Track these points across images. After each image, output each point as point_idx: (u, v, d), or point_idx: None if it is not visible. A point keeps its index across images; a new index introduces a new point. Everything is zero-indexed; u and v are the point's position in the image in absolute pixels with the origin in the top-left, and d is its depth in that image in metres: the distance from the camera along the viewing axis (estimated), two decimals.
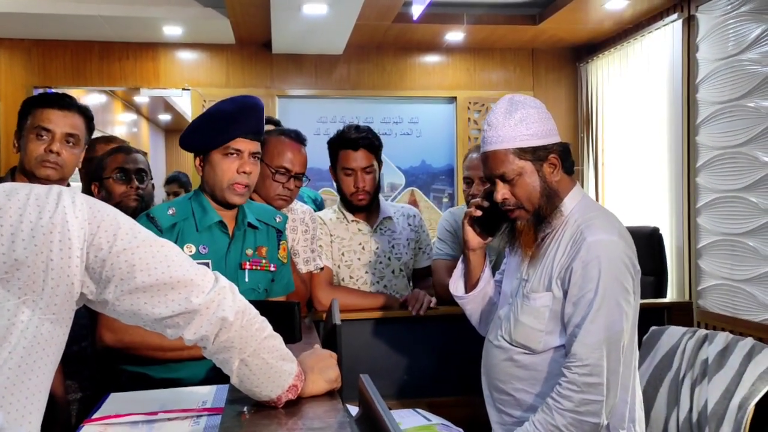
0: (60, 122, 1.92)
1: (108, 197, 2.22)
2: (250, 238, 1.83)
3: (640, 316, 1.68)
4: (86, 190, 2.33)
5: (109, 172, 2.23)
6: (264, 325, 1.13)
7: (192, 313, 1.02)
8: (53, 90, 4.78)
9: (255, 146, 1.76)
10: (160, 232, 1.67)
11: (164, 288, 0.99)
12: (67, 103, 1.95)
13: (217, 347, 1.07)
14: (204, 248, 1.74)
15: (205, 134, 1.72)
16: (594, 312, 1.51)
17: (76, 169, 2.06)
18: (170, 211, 1.74)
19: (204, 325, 1.03)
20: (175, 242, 1.66)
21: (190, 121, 5.34)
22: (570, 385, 1.51)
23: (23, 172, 1.94)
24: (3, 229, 0.86)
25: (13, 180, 1.95)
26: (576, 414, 1.50)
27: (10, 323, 0.86)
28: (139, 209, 2.20)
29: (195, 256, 1.69)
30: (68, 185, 2.06)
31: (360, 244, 2.42)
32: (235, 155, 1.73)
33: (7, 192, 0.90)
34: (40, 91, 4.73)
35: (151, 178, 2.36)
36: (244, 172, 1.73)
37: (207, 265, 1.70)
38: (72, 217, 0.90)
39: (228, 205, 1.78)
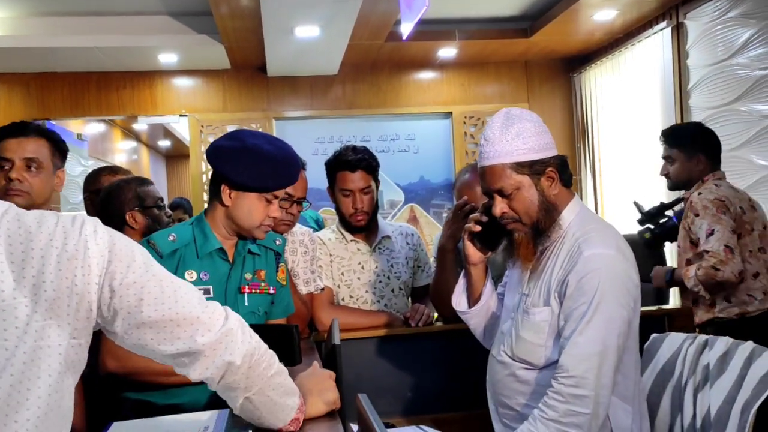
0: (17, 149, 1.90)
1: (152, 225, 2.30)
2: (249, 263, 1.84)
3: (640, 323, 1.66)
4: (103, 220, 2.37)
5: (152, 201, 2.33)
6: (272, 361, 1.13)
7: (197, 353, 1.02)
8: (52, 121, 4.83)
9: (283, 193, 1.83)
10: (159, 257, 1.68)
11: (170, 324, 0.99)
12: (22, 130, 1.94)
13: (222, 387, 1.09)
14: (205, 275, 1.75)
15: (249, 173, 1.71)
16: (584, 324, 1.50)
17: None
18: (171, 237, 1.75)
19: (210, 367, 1.04)
20: (176, 268, 1.70)
21: (189, 145, 5.22)
22: (556, 396, 1.49)
23: None
24: (34, 252, 0.90)
25: None
26: (560, 425, 1.48)
27: (37, 345, 0.89)
28: None
29: (196, 282, 1.71)
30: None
31: (359, 263, 2.43)
32: (270, 201, 1.76)
33: (38, 219, 0.93)
34: (40, 123, 4.78)
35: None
36: (273, 217, 1.77)
37: (208, 290, 1.73)
38: (93, 245, 0.93)
39: (242, 237, 1.81)
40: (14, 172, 1.88)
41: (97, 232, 0.95)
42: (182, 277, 1.67)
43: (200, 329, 1.01)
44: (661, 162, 2.78)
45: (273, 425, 1.17)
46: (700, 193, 2.61)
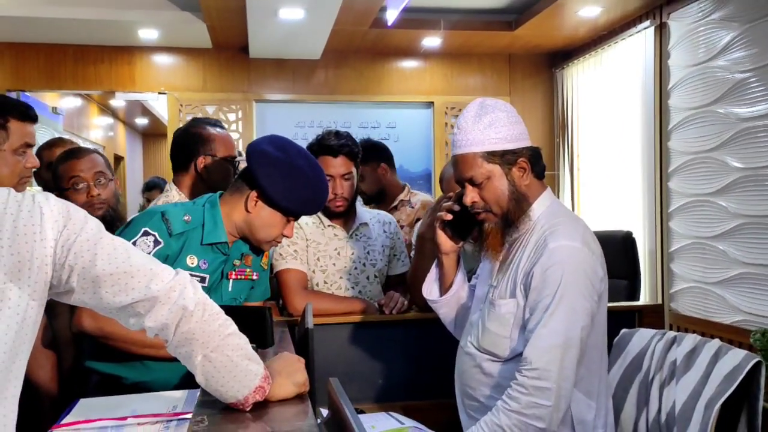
0: None
1: None
2: (241, 249, 1.83)
3: (611, 319, 1.67)
4: None
5: (66, 182, 2.08)
6: (228, 323, 1.15)
7: (152, 300, 1.07)
8: (27, 93, 4.71)
9: None
10: (168, 235, 1.65)
11: (124, 276, 1.05)
12: None
13: (178, 338, 1.10)
14: (204, 263, 1.72)
15: (286, 194, 1.68)
16: (548, 317, 1.51)
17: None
18: (186, 217, 1.70)
19: (165, 313, 1.08)
20: (181, 249, 1.67)
21: (167, 123, 5.12)
22: (519, 387, 1.50)
23: None
24: None
25: None
26: (521, 416, 1.49)
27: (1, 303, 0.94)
28: (108, 216, 2.07)
29: (195, 269, 1.69)
30: None
31: (336, 249, 2.40)
32: (289, 221, 1.75)
33: None
34: (14, 94, 4.66)
35: (113, 176, 2.22)
36: (286, 236, 1.79)
37: (204, 279, 1.72)
38: (47, 210, 0.99)
39: (245, 240, 1.79)
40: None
41: (49, 199, 1.02)
42: (184, 260, 1.67)
43: (154, 279, 1.07)
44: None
45: (238, 394, 1.14)
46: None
